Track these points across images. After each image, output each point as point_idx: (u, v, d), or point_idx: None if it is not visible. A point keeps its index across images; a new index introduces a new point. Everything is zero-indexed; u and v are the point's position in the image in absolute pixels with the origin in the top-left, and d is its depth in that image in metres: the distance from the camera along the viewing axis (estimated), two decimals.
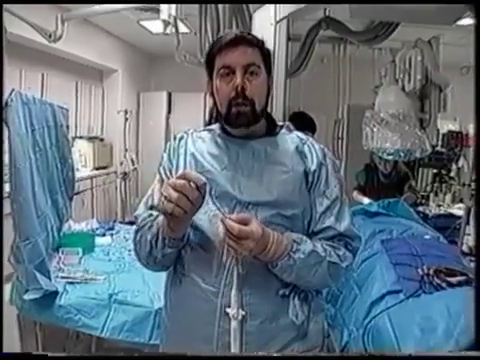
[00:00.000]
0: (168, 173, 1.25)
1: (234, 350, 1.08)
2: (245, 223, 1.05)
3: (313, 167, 1.22)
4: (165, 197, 1.01)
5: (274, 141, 1.26)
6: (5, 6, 1.77)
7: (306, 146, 1.26)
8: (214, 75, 1.20)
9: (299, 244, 1.13)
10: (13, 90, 2.09)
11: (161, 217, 1.15)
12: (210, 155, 1.24)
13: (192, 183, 1.01)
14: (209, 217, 1.16)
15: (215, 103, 1.23)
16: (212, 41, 1.24)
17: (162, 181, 1.23)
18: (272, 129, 1.28)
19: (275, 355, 1.13)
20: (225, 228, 1.04)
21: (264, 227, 1.09)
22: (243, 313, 1.09)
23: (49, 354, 0.93)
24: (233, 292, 1.09)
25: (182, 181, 1.01)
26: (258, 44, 1.19)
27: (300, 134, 1.31)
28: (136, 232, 1.24)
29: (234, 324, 1.09)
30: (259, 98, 1.18)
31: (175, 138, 1.33)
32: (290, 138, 1.28)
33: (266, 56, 1.21)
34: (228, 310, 1.10)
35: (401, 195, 3.79)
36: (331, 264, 1.15)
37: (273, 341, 1.18)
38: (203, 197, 1.05)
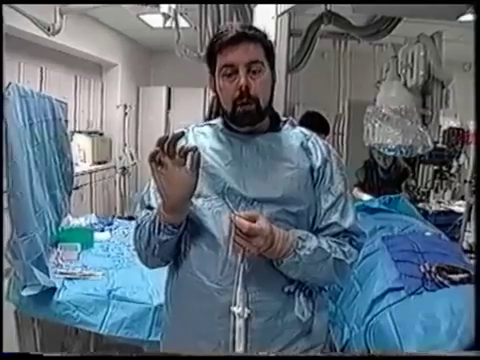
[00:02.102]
0: None
1: (239, 349, 1.06)
2: (253, 220, 1.04)
3: (318, 164, 1.21)
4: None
5: (278, 137, 1.24)
6: None
7: (310, 142, 1.24)
8: (216, 73, 1.17)
9: (304, 241, 1.12)
10: (10, 83, 2.06)
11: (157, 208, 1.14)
12: (213, 150, 1.22)
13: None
14: (213, 214, 1.15)
15: (218, 99, 1.21)
16: (213, 35, 1.21)
17: None
18: (276, 124, 1.26)
19: (278, 355, 1.12)
20: (234, 225, 1.03)
21: (271, 224, 1.07)
22: (248, 311, 1.08)
23: (47, 354, 0.92)
24: (239, 290, 1.08)
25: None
26: (260, 39, 1.16)
27: (304, 130, 1.29)
28: (136, 229, 1.22)
29: (239, 322, 1.07)
30: (264, 96, 1.17)
31: None
32: (294, 134, 1.26)
33: (269, 49, 1.19)
34: (233, 308, 1.08)
35: (400, 191, 3.78)
36: (337, 260, 1.14)
37: (278, 339, 1.17)
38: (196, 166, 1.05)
